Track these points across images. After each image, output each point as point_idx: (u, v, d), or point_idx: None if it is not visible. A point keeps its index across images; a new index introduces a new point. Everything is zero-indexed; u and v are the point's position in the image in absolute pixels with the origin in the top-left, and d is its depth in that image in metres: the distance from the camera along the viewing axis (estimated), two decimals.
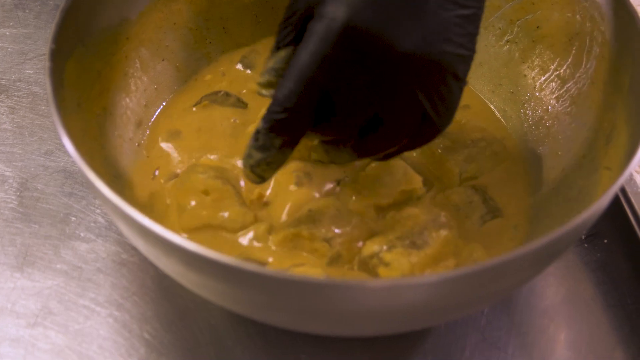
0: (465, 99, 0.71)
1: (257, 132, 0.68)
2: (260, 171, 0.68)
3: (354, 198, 0.76)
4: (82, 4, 0.73)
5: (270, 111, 0.67)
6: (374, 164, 0.77)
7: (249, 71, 0.87)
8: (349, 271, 0.73)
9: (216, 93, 0.84)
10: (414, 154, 0.81)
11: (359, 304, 0.60)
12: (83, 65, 0.74)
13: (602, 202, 0.63)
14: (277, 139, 0.68)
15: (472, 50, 0.67)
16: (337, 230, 0.73)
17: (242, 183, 0.77)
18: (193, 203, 0.75)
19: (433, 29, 0.65)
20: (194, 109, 0.83)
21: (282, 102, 0.67)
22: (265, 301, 0.62)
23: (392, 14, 0.64)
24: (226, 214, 0.74)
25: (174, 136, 0.81)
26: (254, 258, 0.73)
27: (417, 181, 0.77)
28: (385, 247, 0.71)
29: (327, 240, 0.73)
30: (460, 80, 0.68)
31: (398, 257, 0.71)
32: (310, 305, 0.61)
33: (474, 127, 0.82)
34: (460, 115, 0.80)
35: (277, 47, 0.71)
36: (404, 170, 0.78)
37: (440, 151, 0.80)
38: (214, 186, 0.75)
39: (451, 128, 0.78)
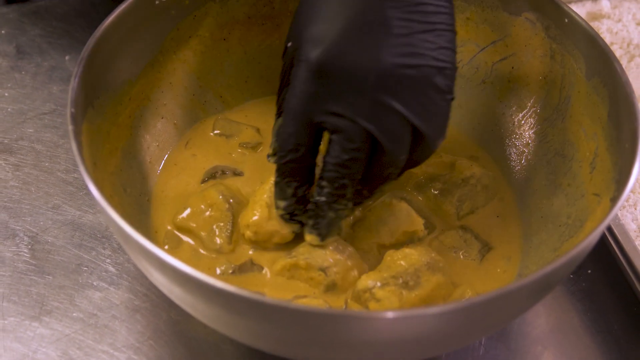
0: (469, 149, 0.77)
1: (275, 183, 0.77)
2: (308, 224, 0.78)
3: (358, 236, 0.81)
4: (92, 68, 0.77)
5: (277, 160, 0.75)
6: (378, 204, 0.82)
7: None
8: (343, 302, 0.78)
9: (214, 174, 0.87)
10: (419, 197, 0.85)
11: (375, 334, 0.65)
12: (94, 126, 0.77)
13: (600, 229, 0.67)
14: (291, 183, 0.76)
15: (449, 62, 0.73)
16: (331, 260, 0.77)
17: None
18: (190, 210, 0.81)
19: (402, 50, 0.70)
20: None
21: (283, 146, 0.75)
22: (282, 333, 0.67)
23: (360, 45, 0.70)
24: (209, 235, 0.80)
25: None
26: (251, 288, 0.78)
27: (418, 223, 0.82)
28: (378, 284, 0.75)
29: (323, 270, 0.77)
30: (444, 93, 0.73)
31: (389, 295, 0.75)
32: (327, 336, 0.65)
33: (463, 165, 0.85)
34: (449, 158, 0.85)
35: (279, 114, 0.78)
36: (407, 212, 0.82)
37: (436, 194, 0.84)
38: (218, 206, 0.80)
39: (442, 170, 0.84)
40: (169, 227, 0.82)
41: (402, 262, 0.77)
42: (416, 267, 0.77)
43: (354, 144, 0.73)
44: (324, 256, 0.78)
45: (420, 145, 0.75)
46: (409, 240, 0.81)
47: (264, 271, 0.79)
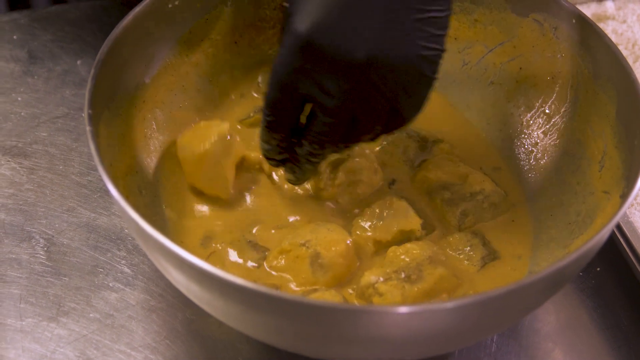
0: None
1: (261, 127, 0.79)
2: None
3: (357, 231, 0.82)
4: (107, 71, 0.78)
5: (263, 114, 0.78)
6: (377, 201, 0.83)
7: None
8: (349, 296, 0.79)
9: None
10: (427, 201, 0.87)
11: (392, 329, 0.66)
12: (110, 128, 0.79)
13: (610, 225, 0.69)
14: (274, 136, 0.79)
15: (438, 49, 0.74)
16: (310, 234, 0.80)
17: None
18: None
19: (392, 35, 0.72)
20: None
21: (267, 107, 0.77)
22: (300, 328, 0.68)
23: (351, 25, 0.71)
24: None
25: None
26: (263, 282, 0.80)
27: (416, 222, 0.83)
28: (381, 279, 0.77)
29: (304, 244, 0.79)
30: (428, 77, 0.74)
31: (392, 289, 0.76)
32: (343, 331, 0.66)
33: (476, 179, 0.86)
34: (465, 169, 0.87)
35: None
36: (405, 210, 0.83)
37: (441, 202, 0.85)
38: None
39: (455, 180, 0.85)
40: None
41: (404, 257, 0.79)
42: (418, 261, 0.78)
43: (335, 118, 0.75)
44: (305, 234, 0.80)
45: (395, 118, 0.77)
46: (406, 239, 0.82)
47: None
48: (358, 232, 0.82)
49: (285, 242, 0.80)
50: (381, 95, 0.74)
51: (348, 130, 0.77)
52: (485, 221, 0.85)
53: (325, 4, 0.71)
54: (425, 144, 0.90)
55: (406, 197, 0.85)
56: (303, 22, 0.72)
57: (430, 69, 0.74)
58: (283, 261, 0.80)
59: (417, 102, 0.76)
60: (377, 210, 0.83)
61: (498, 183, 0.87)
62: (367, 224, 0.82)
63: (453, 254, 0.83)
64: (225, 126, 0.84)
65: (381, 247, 0.82)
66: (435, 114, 0.90)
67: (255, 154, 0.87)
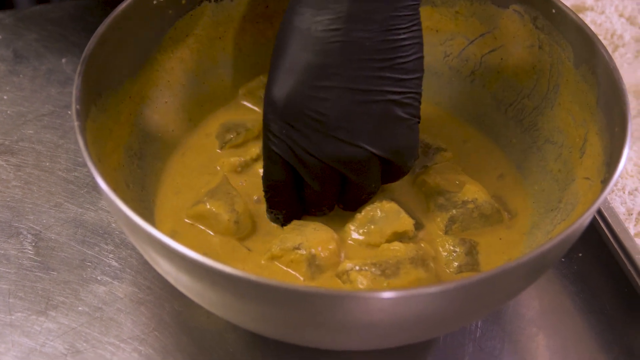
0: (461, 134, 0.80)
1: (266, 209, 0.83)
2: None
3: (349, 236, 0.83)
4: (94, 67, 0.79)
5: (264, 195, 0.82)
6: (367, 205, 0.83)
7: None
8: (329, 280, 0.80)
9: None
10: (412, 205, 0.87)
11: (374, 314, 0.67)
12: (97, 124, 0.79)
13: (592, 209, 0.70)
14: (278, 214, 0.82)
15: (410, 92, 0.76)
16: (300, 237, 0.80)
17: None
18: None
19: (358, 88, 0.75)
20: None
21: (264, 182, 0.81)
22: (288, 315, 0.69)
23: (319, 88, 0.75)
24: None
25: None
26: None
27: (409, 223, 0.82)
28: (357, 267, 0.77)
29: (297, 248, 0.79)
30: (406, 120, 0.77)
31: (362, 279, 0.76)
32: (330, 317, 0.67)
33: (470, 189, 0.85)
34: (464, 178, 0.87)
35: None
36: (397, 212, 0.83)
37: (434, 207, 0.85)
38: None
39: (452, 188, 0.86)
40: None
41: (388, 253, 0.79)
42: (399, 259, 0.78)
43: (324, 181, 0.78)
44: (293, 238, 0.80)
45: (392, 169, 0.79)
46: (399, 240, 0.82)
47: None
48: (351, 237, 0.83)
49: (275, 247, 0.80)
50: (364, 151, 0.76)
51: (344, 190, 0.80)
52: (473, 230, 0.85)
53: (294, 76, 0.75)
54: (427, 150, 0.90)
55: (395, 199, 0.85)
56: (277, 94, 0.76)
57: (406, 112, 0.76)
58: (275, 267, 0.80)
59: (404, 148, 0.78)
60: (369, 214, 0.83)
61: (500, 193, 0.88)
62: (359, 229, 0.83)
63: (436, 256, 0.83)
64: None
65: (374, 249, 0.82)
66: (433, 122, 0.93)
67: (235, 159, 0.89)
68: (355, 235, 0.83)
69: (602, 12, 1.10)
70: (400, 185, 0.87)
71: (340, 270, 0.78)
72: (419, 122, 0.78)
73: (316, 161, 0.77)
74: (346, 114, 0.75)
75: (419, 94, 0.77)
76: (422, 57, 0.77)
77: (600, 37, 1.05)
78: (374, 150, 0.76)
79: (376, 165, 0.78)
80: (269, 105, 0.77)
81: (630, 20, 1.10)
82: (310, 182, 0.78)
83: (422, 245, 0.82)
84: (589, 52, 0.82)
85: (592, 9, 1.10)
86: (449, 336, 0.82)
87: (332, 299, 0.65)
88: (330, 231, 0.81)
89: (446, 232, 0.84)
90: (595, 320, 0.85)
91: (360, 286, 0.76)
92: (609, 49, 1.06)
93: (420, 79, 0.77)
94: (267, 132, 0.78)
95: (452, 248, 0.82)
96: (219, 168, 0.88)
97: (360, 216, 0.83)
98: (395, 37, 0.75)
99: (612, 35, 1.07)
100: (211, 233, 0.82)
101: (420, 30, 0.77)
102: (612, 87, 0.79)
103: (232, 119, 0.93)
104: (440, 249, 0.83)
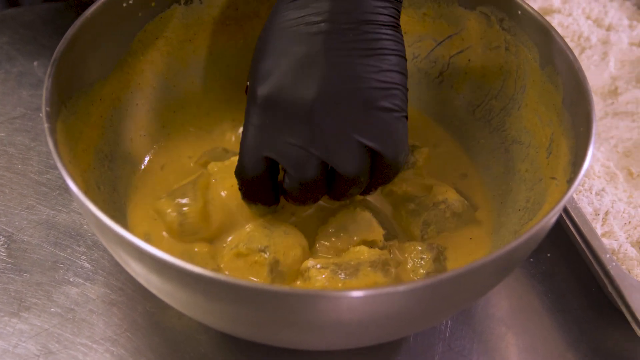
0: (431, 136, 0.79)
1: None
2: None
3: (320, 240, 0.83)
4: (64, 69, 0.79)
5: (239, 188, 0.81)
6: (341, 210, 0.84)
7: None
8: (291, 282, 0.80)
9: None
10: (394, 213, 0.88)
11: (346, 313, 0.67)
12: (68, 126, 0.79)
13: (558, 207, 0.71)
14: (252, 204, 0.82)
15: (395, 84, 0.76)
16: (268, 240, 0.81)
17: None
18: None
19: (342, 76, 0.75)
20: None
21: (239, 177, 0.80)
22: (259, 315, 0.69)
23: (302, 77, 0.75)
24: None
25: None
26: None
27: (378, 233, 0.83)
28: (318, 266, 0.78)
29: (262, 250, 0.80)
30: (393, 112, 0.76)
31: (319, 277, 0.77)
32: (299, 316, 0.68)
33: (439, 190, 0.86)
34: (430, 182, 0.88)
35: None
36: (369, 221, 0.83)
37: (406, 214, 0.86)
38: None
39: (420, 192, 0.87)
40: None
41: (351, 255, 0.80)
42: (360, 261, 0.79)
43: (308, 175, 0.77)
44: (261, 238, 0.81)
45: (382, 164, 0.78)
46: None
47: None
48: (321, 241, 0.83)
49: (241, 245, 0.81)
50: (349, 139, 0.75)
51: (331, 185, 0.79)
52: (449, 231, 0.85)
53: (278, 66, 0.76)
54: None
55: (371, 208, 0.86)
56: (260, 87, 0.76)
57: (393, 103, 0.76)
58: (240, 263, 0.81)
59: (393, 140, 0.77)
60: (341, 220, 0.84)
61: (464, 191, 0.89)
62: (330, 235, 0.83)
63: (402, 263, 0.83)
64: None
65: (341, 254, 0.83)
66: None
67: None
68: (324, 240, 0.83)
69: (570, 15, 1.11)
70: (379, 196, 0.88)
71: (303, 267, 0.79)
72: (406, 118, 0.77)
73: (300, 151, 0.76)
74: (331, 100, 0.74)
75: (405, 88, 0.77)
76: (404, 58, 0.77)
77: (568, 40, 1.06)
78: (360, 139, 0.75)
79: (363, 155, 0.76)
80: (252, 97, 0.77)
81: (597, 23, 1.11)
82: (292, 173, 0.77)
83: (391, 253, 0.83)
84: (554, 52, 0.83)
85: (559, 12, 1.12)
86: (419, 336, 0.83)
87: (302, 298, 0.66)
88: (300, 236, 0.82)
89: (422, 237, 0.84)
90: (563, 319, 0.86)
91: (316, 284, 0.77)
92: (576, 51, 1.07)
93: (404, 76, 0.77)
94: (249, 125, 0.77)
95: (420, 255, 0.83)
96: (192, 165, 0.90)
97: (333, 220, 0.84)
98: (378, 31, 0.75)
99: (579, 38, 1.09)
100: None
101: (400, 29, 0.78)
102: (577, 88, 0.80)
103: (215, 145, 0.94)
104: (407, 255, 0.83)
